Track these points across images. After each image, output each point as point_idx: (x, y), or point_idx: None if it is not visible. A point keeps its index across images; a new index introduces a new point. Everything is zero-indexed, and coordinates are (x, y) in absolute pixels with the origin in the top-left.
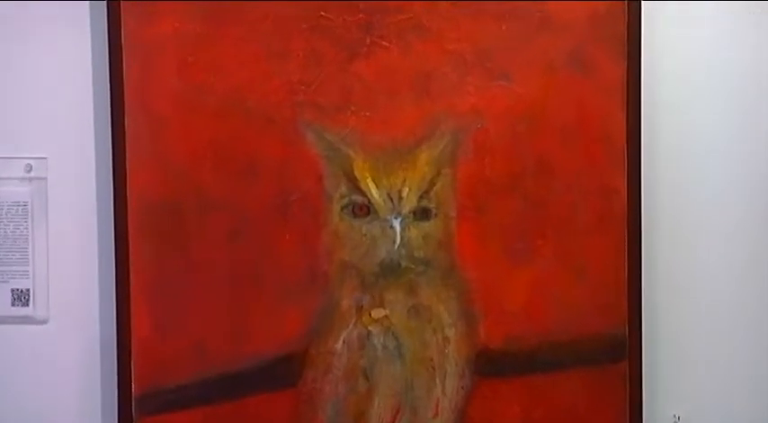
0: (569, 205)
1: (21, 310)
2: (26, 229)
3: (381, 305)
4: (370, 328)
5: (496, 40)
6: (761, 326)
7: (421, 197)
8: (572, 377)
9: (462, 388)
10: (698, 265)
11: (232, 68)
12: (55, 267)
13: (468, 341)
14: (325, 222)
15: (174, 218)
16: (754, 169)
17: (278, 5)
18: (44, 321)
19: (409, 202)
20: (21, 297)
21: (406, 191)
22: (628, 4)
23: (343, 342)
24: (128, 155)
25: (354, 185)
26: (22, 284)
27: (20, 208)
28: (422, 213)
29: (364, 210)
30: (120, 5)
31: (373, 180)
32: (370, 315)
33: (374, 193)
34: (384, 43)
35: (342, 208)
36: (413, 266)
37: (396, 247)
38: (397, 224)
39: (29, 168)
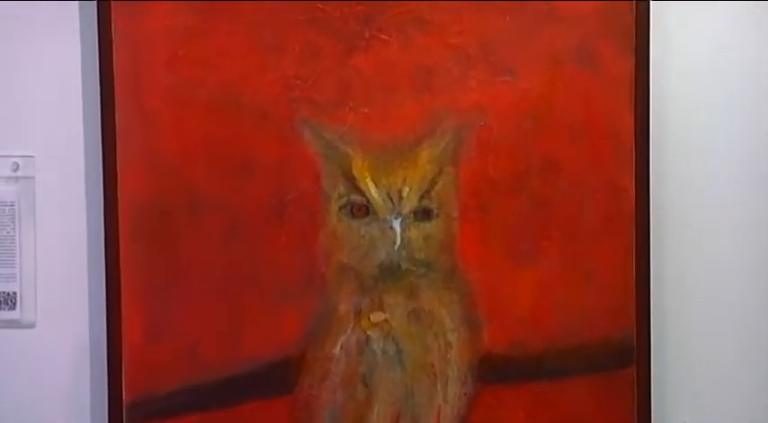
0: (576, 205)
1: (7, 314)
2: (13, 229)
3: (381, 309)
4: (368, 332)
5: (501, 33)
6: None
7: (422, 197)
8: (578, 383)
9: (465, 395)
10: (709, 267)
11: (225, 63)
12: (43, 269)
13: (471, 346)
14: (323, 223)
15: (167, 218)
16: None
17: None
18: (31, 325)
19: (410, 202)
20: (7, 300)
21: (406, 190)
22: None
23: (341, 347)
24: (118, 153)
25: (353, 185)
26: (8, 287)
27: (6, 208)
28: (423, 214)
29: (363, 210)
30: None
31: (372, 179)
32: (368, 319)
33: (373, 192)
34: (384, 36)
35: (340, 208)
36: (413, 269)
37: (396, 248)
38: (397, 225)
39: (15, 167)
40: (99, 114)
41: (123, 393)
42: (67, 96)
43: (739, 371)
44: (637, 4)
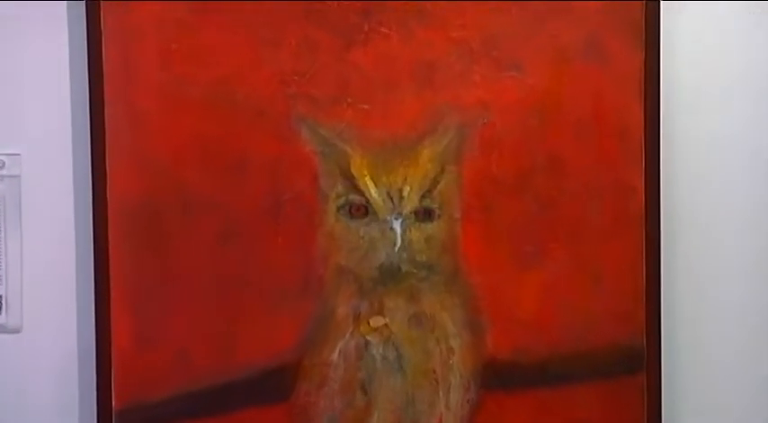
0: (583, 205)
1: None
2: None
3: (380, 313)
4: (368, 337)
5: (505, 26)
6: None
7: (423, 197)
8: (586, 390)
9: (468, 402)
10: (722, 270)
11: (219, 58)
12: (29, 272)
13: (474, 352)
14: (321, 224)
15: (158, 219)
16: None
17: None
18: (17, 330)
19: (410, 202)
20: None
21: (407, 190)
22: None
23: (340, 353)
24: (108, 152)
25: (351, 184)
26: None
27: None
28: (424, 214)
29: (362, 210)
30: None
31: (372, 178)
32: (368, 324)
33: (373, 192)
34: (383, 30)
35: (338, 208)
36: (414, 271)
37: (396, 250)
38: (397, 225)
39: (1, 165)
40: (88, 111)
41: (113, 401)
42: (55, 92)
43: (755, 378)
44: None
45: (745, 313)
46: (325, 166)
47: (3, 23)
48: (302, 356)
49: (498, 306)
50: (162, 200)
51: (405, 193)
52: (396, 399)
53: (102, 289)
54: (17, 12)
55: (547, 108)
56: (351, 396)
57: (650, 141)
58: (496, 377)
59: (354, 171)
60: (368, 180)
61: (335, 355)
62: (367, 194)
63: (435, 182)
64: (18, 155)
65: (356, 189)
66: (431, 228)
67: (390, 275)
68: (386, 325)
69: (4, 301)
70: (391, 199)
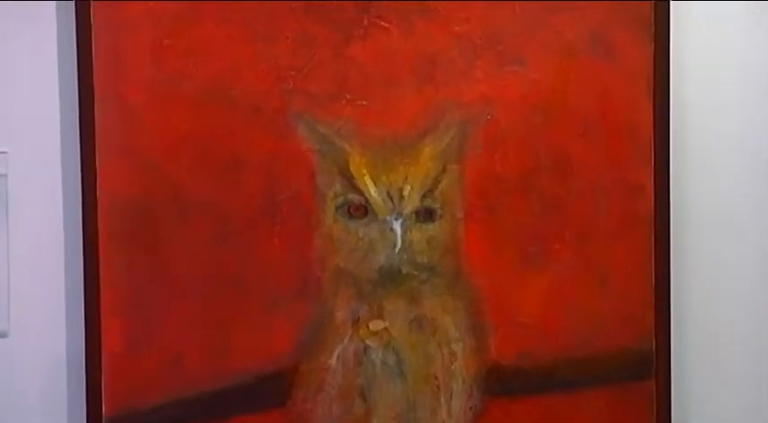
0: (589, 205)
1: None
2: None
3: (380, 316)
4: (367, 341)
5: (509, 20)
6: None
7: (424, 196)
8: (592, 397)
9: (470, 409)
10: (734, 272)
11: (214, 53)
12: (16, 274)
13: (477, 357)
14: (318, 224)
15: (150, 219)
16: None
17: None
18: (4, 335)
19: (411, 202)
20: None
21: (407, 189)
22: None
23: (338, 358)
24: (98, 150)
25: (350, 183)
26: None
27: None
28: (425, 214)
29: (361, 210)
30: None
31: (371, 177)
32: (367, 327)
33: (372, 191)
34: (383, 24)
35: (336, 208)
36: (415, 273)
37: (396, 251)
38: (397, 226)
39: None
40: (77, 108)
41: (103, 408)
42: (43, 88)
43: (766, 383)
44: None
45: (760, 316)
46: (323, 165)
47: None
48: (299, 361)
49: (502, 309)
50: (154, 199)
51: (405, 193)
52: (396, 405)
53: (92, 291)
54: (3, 5)
55: (552, 105)
56: (349, 402)
57: (659, 139)
58: (500, 383)
59: (353, 170)
60: (367, 179)
61: (334, 360)
62: (366, 194)
63: (437, 181)
64: (5, 153)
65: (355, 188)
66: (432, 228)
67: (390, 277)
68: (386, 329)
69: None
70: (391, 199)
